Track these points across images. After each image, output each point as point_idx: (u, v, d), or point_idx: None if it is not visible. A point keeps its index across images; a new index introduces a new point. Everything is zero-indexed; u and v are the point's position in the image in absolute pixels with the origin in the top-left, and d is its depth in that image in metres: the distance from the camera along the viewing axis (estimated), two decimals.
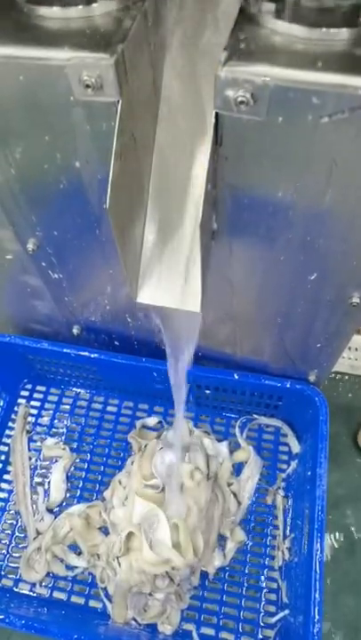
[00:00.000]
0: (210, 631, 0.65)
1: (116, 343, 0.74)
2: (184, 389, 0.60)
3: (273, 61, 0.32)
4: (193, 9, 0.40)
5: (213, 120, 0.35)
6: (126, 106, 0.37)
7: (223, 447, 0.77)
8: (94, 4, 0.36)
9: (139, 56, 0.37)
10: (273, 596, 0.67)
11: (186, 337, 0.54)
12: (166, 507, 0.69)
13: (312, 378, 0.67)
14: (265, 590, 0.67)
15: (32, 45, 0.35)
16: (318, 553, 0.57)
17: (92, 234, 0.51)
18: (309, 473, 0.68)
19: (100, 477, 0.77)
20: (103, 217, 0.49)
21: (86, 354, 0.73)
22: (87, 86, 0.35)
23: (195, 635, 0.65)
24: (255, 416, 0.80)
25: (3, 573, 0.70)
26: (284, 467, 0.77)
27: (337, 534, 0.76)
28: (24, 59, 0.35)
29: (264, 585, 0.68)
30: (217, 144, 0.37)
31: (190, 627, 0.65)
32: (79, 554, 0.71)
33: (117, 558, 0.66)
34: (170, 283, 0.48)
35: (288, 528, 0.71)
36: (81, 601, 0.67)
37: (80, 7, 0.36)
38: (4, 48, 0.35)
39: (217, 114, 0.35)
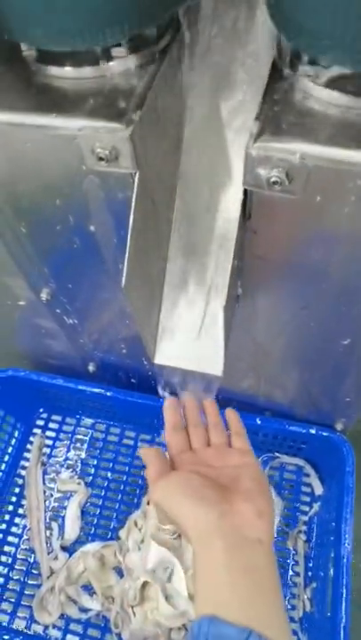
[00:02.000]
0: None
1: (133, 381, 0.71)
2: None
3: (312, 137, 0.28)
4: (217, 63, 0.36)
5: (242, 196, 0.31)
6: (144, 175, 0.33)
7: None
8: (111, 63, 0.33)
9: (158, 119, 0.34)
10: None
11: (204, 395, 0.51)
12: (182, 553, 0.66)
13: (339, 426, 0.63)
14: None
15: (39, 112, 0.32)
16: (343, 621, 0.54)
17: (107, 287, 0.48)
18: (334, 524, 0.64)
19: (114, 515, 0.75)
20: (120, 273, 0.46)
21: (101, 391, 0.70)
22: (100, 159, 0.31)
23: None
24: (277, 454, 0.76)
25: (16, 614, 0.69)
26: (306, 509, 0.74)
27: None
28: (30, 127, 0.32)
29: None
30: (245, 217, 0.34)
31: None
32: (92, 594, 0.69)
33: (132, 607, 0.64)
34: (190, 344, 0.45)
35: (310, 576, 0.68)
36: None
37: (95, 67, 0.33)
38: (8, 114, 0.32)
39: (246, 190, 0.31)
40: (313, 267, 0.36)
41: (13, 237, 0.43)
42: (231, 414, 0.46)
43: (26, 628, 0.68)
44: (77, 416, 0.83)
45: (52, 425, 0.83)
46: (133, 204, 0.33)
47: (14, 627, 0.68)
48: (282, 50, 0.31)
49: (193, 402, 0.48)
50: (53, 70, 0.33)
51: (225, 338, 0.41)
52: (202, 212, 0.42)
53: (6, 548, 0.73)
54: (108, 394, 0.70)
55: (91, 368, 0.69)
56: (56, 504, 0.76)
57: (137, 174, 0.32)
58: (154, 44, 0.34)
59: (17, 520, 0.76)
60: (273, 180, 0.29)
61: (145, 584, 0.64)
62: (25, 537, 0.74)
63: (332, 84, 0.29)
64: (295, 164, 0.28)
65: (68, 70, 0.33)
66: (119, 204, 0.35)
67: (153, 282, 0.41)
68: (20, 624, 0.68)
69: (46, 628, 0.68)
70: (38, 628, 0.68)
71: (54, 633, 0.67)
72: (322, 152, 0.28)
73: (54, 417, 0.83)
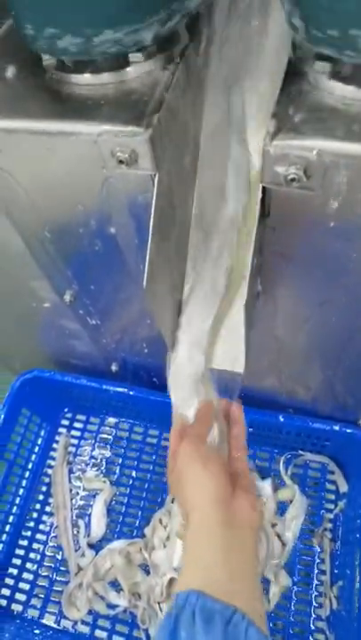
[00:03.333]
0: None
1: (155, 380, 0.72)
2: None
3: (328, 133, 0.29)
4: (234, 58, 0.36)
5: (260, 194, 0.32)
6: (164, 177, 0.34)
7: (267, 485, 0.74)
8: (128, 69, 0.33)
9: (176, 121, 0.34)
10: None
11: (228, 391, 0.51)
12: None
13: None
14: None
15: (60, 118, 0.33)
16: None
17: (128, 287, 0.49)
18: (359, 522, 0.64)
19: (139, 513, 0.76)
20: (141, 274, 0.46)
21: (124, 390, 0.71)
22: (121, 162, 0.32)
23: None
24: (301, 452, 0.76)
25: (46, 610, 0.70)
26: (331, 506, 0.73)
27: None
28: (51, 133, 0.33)
29: (310, 636, 0.65)
30: (264, 215, 0.34)
31: None
32: (119, 590, 0.70)
33: (159, 603, 0.65)
34: (212, 342, 0.46)
35: (336, 575, 0.68)
36: None
37: (113, 72, 0.33)
38: (29, 122, 0.33)
39: (264, 188, 0.32)
40: (332, 262, 0.36)
41: (37, 242, 0.45)
42: (237, 411, 0.47)
43: (55, 623, 0.69)
44: (101, 415, 0.84)
45: (76, 424, 0.85)
46: (153, 206, 0.33)
47: (45, 622, 0.69)
48: (297, 47, 0.31)
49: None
50: (73, 77, 0.34)
51: (246, 335, 0.41)
52: (220, 211, 0.42)
53: (35, 546, 0.75)
54: (131, 393, 0.71)
55: (113, 368, 0.70)
56: (82, 502, 0.78)
57: (156, 176, 0.33)
58: (170, 47, 0.34)
59: (45, 518, 0.77)
60: (291, 177, 0.29)
61: (171, 580, 0.65)
62: (53, 534, 0.76)
63: (348, 79, 0.30)
64: (313, 161, 0.29)
65: (87, 77, 0.34)
66: (139, 206, 0.36)
67: (173, 281, 0.41)
68: (49, 619, 0.70)
69: (75, 623, 0.69)
70: (67, 624, 0.69)
71: (83, 628, 0.69)
72: (339, 148, 0.28)
73: (79, 416, 0.85)
